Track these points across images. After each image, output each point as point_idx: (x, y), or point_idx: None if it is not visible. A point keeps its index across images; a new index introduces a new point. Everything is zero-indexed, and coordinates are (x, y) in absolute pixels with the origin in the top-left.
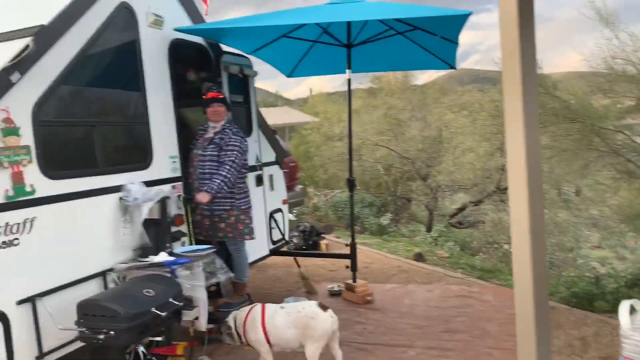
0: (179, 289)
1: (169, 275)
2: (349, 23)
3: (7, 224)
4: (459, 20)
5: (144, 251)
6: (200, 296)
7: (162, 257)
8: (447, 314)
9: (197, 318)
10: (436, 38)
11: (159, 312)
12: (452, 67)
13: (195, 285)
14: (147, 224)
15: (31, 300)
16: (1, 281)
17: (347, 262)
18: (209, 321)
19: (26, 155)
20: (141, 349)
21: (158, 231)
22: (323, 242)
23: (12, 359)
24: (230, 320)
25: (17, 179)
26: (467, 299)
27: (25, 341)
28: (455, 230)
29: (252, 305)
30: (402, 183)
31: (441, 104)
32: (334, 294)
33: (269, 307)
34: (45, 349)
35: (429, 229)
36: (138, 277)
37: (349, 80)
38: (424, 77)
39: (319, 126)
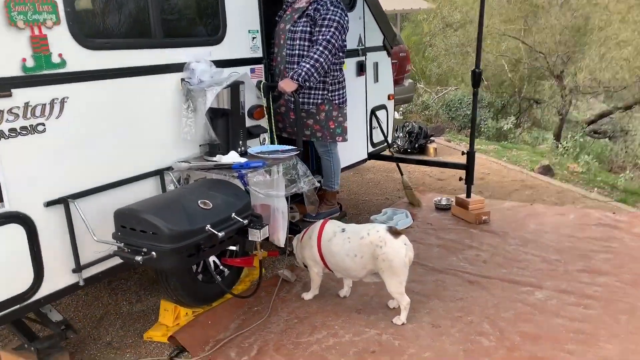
0: (245, 201)
1: (238, 181)
2: None
3: (26, 104)
4: None
5: (211, 149)
6: (279, 207)
7: (232, 157)
8: (586, 248)
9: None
10: None
11: (214, 232)
12: None
13: (271, 194)
14: (216, 114)
15: (63, 202)
16: (22, 176)
17: (461, 172)
18: (292, 232)
19: (51, 14)
20: (212, 258)
21: (228, 125)
22: (431, 146)
23: (41, 271)
24: (294, 239)
25: (40, 46)
26: (613, 230)
27: (58, 251)
28: (590, 140)
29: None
30: (529, 82)
31: None
32: (441, 208)
33: (329, 226)
34: (84, 261)
35: (557, 137)
36: (194, 183)
37: None
38: None
39: (436, 13)
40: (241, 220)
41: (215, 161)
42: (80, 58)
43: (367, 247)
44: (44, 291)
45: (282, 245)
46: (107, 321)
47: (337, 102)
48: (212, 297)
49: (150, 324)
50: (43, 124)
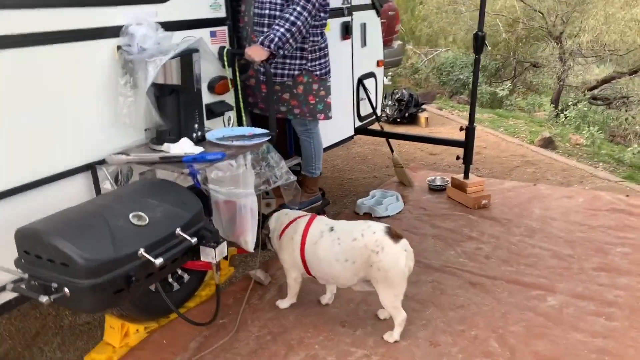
0: (195, 210)
1: (190, 179)
2: None
3: None
4: None
5: (159, 135)
6: (247, 204)
7: (183, 147)
8: (601, 239)
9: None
10: None
11: (150, 258)
12: None
13: (235, 193)
14: (162, 92)
15: None
16: None
17: (458, 150)
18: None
19: None
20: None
21: (178, 104)
22: (423, 115)
23: None
24: (271, 222)
25: None
26: (628, 217)
27: None
28: (593, 109)
29: (300, 215)
30: (526, 43)
31: None
32: (435, 189)
33: (316, 225)
34: None
35: (555, 103)
36: (127, 187)
37: None
38: None
39: None
40: (188, 237)
41: (163, 151)
42: None
43: (361, 251)
44: None
45: (251, 250)
46: (44, 338)
47: (317, 73)
48: (168, 309)
49: (96, 341)
50: None
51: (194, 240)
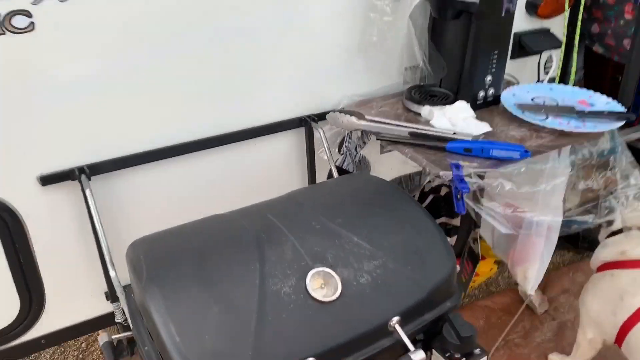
0: (442, 273)
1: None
2: None
3: None
4: None
5: (422, 88)
6: (545, 226)
7: (454, 117)
8: None
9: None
10: None
11: None
12: None
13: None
14: (444, 12)
15: (75, 177)
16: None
17: None
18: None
19: None
20: None
21: (467, 37)
22: None
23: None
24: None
25: None
26: None
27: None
28: None
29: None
30: None
31: None
32: None
33: None
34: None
35: None
36: (323, 188)
37: None
38: None
39: None
40: (408, 342)
41: (419, 117)
42: None
43: None
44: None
45: (530, 292)
46: None
47: None
48: None
49: None
50: (27, 13)
51: (417, 356)
